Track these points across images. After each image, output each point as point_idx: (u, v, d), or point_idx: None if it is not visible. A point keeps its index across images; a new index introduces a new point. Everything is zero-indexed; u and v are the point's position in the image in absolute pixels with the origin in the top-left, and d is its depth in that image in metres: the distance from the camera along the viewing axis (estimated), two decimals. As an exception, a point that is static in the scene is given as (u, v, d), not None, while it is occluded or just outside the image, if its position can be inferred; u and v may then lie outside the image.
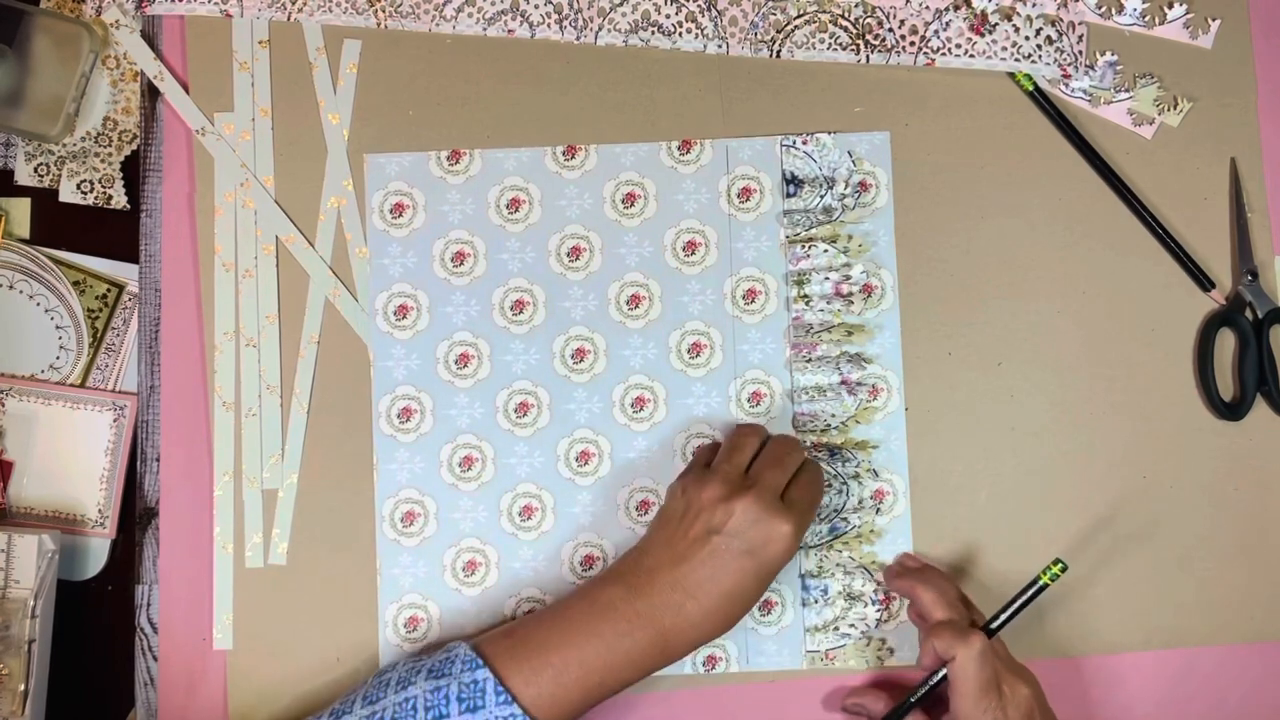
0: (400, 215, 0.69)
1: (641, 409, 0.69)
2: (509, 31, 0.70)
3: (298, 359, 0.69)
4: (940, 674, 0.62)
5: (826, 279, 0.68)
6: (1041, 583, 0.62)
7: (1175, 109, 0.70)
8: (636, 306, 0.69)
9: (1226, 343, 0.70)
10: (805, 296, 0.68)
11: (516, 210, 0.69)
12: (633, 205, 0.69)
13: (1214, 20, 0.70)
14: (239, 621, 0.68)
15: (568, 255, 0.69)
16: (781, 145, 0.69)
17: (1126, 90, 0.70)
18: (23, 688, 0.65)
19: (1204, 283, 0.69)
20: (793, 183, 0.69)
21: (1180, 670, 0.68)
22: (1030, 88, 0.69)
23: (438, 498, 0.68)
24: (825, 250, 0.68)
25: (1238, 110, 0.70)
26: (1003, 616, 0.62)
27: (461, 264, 0.69)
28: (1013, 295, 0.69)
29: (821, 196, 0.69)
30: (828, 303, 0.68)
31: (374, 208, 0.69)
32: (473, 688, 0.57)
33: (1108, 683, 0.68)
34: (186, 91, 0.69)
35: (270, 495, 0.68)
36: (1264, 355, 0.69)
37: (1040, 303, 0.69)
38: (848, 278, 0.68)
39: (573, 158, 0.69)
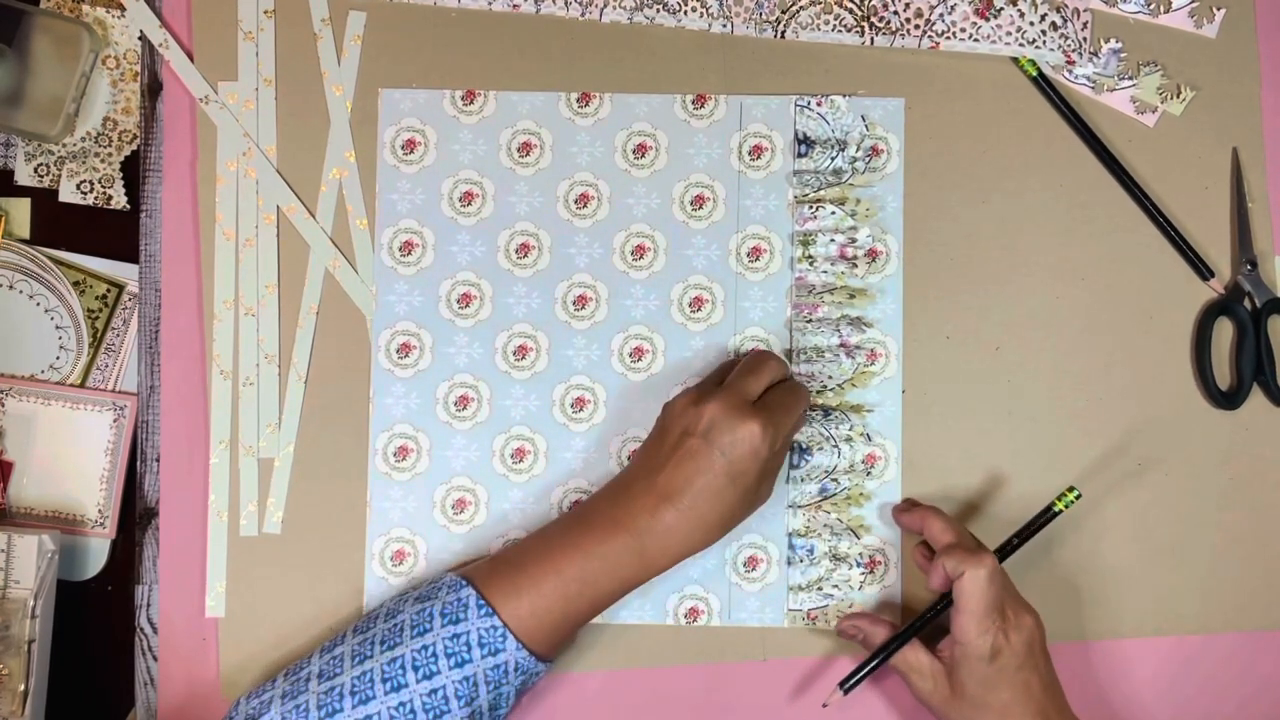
0: (411, 152, 0.69)
1: (639, 359, 0.69)
2: (514, 6, 0.70)
3: (296, 329, 0.69)
4: (947, 598, 0.62)
5: (832, 241, 0.69)
6: (1056, 509, 0.63)
7: (1178, 97, 0.70)
8: (641, 257, 0.69)
9: (1224, 332, 0.70)
10: (810, 257, 0.68)
11: (527, 154, 0.69)
12: (643, 156, 0.69)
13: (1219, 10, 0.70)
14: (232, 589, 0.68)
15: (575, 202, 0.69)
16: (795, 105, 0.69)
17: (1130, 78, 0.70)
18: (23, 688, 0.65)
19: (1203, 271, 0.69)
20: (804, 143, 0.69)
21: (1170, 657, 0.68)
22: (1034, 73, 0.69)
23: (431, 434, 0.68)
24: (833, 212, 0.68)
25: (1241, 100, 0.70)
26: (1011, 543, 0.63)
27: (469, 204, 0.69)
28: (1012, 280, 0.69)
29: (832, 158, 0.69)
30: (832, 264, 0.69)
31: (385, 143, 0.69)
32: (455, 604, 0.59)
33: (1097, 668, 0.68)
34: (191, 60, 0.70)
35: (266, 464, 0.68)
36: (1261, 345, 0.69)
37: (1039, 288, 0.69)
38: (853, 240, 0.69)
39: (586, 105, 0.69)
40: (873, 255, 0.69)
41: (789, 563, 0.68)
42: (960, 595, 0.60)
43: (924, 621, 0.63)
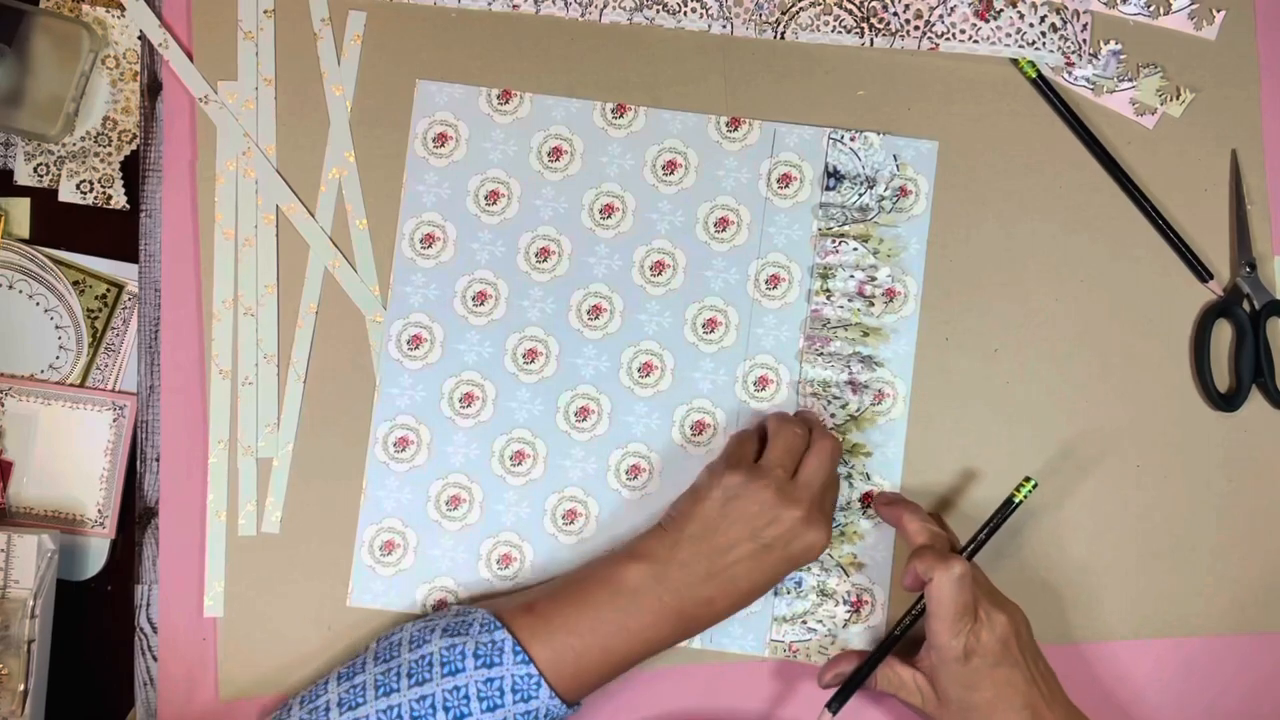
0: (442, 146, 0.69)
1: (648, 375, 0.69)
2: (514, 6, 0.70)
3: (296, 329, 0.69)
4: (921, 605, 0.62)
5: (852, 277, 0.68)
6: (1016, 501, 0.64)
7: (1178, 99, 0.70)
8: (660, 274, 0.69)
9: (1223, 334, 0.70)
10: (828, 290, 0.68)
11: (557, 159, 0.69)
12: (672, 173, 0.69)
13: (1219, 12, 0.70)
14: (230, 589, 0.68)
15: (600, 212, 0.69)
16: (829, 138, 0.69)
17: (1129, 79, 0.70)
18: (22, 688, 0.65)
19: (1202, 274, 0.69)
20: (834, 176, 0.69)
21: (1170, 659, 0.68)
22: (1033, 75, 0.69)
23: (433, 428, 0.68)
24: (855, 248, 0.68)
25: (1240, 102, 0.70)
26: (979, 538, 0.64)
27: (494, 203, 0.69)
28: (1011, 282, 0.69)
29: (860, 195, 0.69)
30: (849, 300, 0.68)
31: (417, 134, 0.69)
32: (490, 647, 0.58)
33: (1096, 669, 0.68)
34: (191, 60, 0.70)
35: (265, 464, 0.68)
36: (1260, 347, 0.69)
37: (1038, 290, 0.69)
38: (873, 279, 0.68)
39: (620, 116, 0.69)
40: (890, 295, 0.69)
41: (776, 593, 0.68)
42: (931, 599, 0.60)
43: (902, 630, 0.63)
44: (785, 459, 0.62)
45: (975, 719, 0.61)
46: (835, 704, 0.63)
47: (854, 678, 0.63)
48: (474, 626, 0.59)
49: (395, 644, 0.60)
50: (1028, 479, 0.64)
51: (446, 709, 0.57)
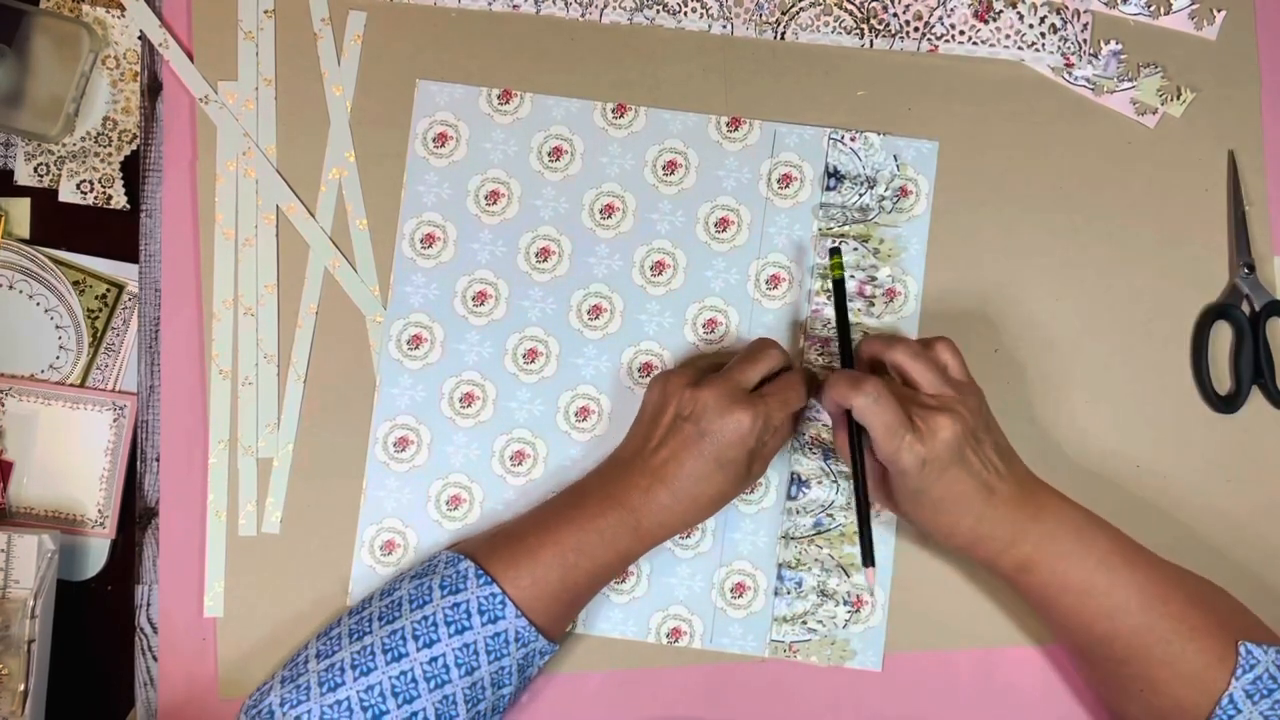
0: (442, 146, 0.69)
1: (648, 375, 0.69)
2: (514, 6, 0.70)
3: (296, 329, 0.69)
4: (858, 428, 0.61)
5: (851, 278, 0.68)
6: (837, 278, 0.63)
7: (1178, 99, 0.70)
8: (660, 274, 0.69)
9: (1223, 335, 0.70)
10: (828, 291, 0.68)
11: (558, 159, 0.69)
12: (673, 173, 0.69)
13: (1219, 12, 0.70)
14: (230, 589, 0.68)
15: (600, 212, 0.69)
16: (830, 138, 0.69)
17: (1130, 79, 0.70)
18: (22, 688, 0.65)
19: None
20: (834, 176, 0.69)
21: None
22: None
23: (433, 428, 0.69)
24: (855, 249, 0.68)
25: (1240, 103, 0.70)
26: (842, 342, 0.63)
27: (495, 203, 0.69)
28: (1010, 282, 0.69)
29: (860, 195, 0.69)
30: (849, 301, 0.68)
31: (417, 134, 0.69)
32: (455, 576, 0.60)
33: (1096, 671, 0.68)
34: (191, 60, 0.70)
35: (265, 464, 0.68)
36: (1260, 348, 0.68)
37: (1037, 290, 0.69)
38: (873, 279, 0.68)
39: (621, 116, 0.69)
40: (890, 295, 0.69)
41: (776, 593, 0.68)
42: (863, 422, 0.59)
43: (858, 464, 0.62)
44: (712, 357, 0.65)
45: (939, 520, 0.60)
46: (867, 559, 0.61)
47: (863, 536, 0.61)
48: (439, 564, 0.61)
49: (366, 600, 0.62)
50: (832, 251, 0.64)
51: (416, 637, 0.58)
